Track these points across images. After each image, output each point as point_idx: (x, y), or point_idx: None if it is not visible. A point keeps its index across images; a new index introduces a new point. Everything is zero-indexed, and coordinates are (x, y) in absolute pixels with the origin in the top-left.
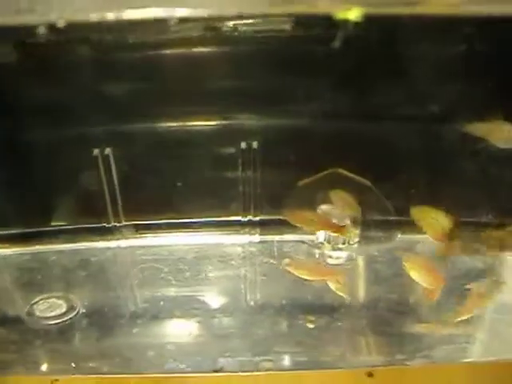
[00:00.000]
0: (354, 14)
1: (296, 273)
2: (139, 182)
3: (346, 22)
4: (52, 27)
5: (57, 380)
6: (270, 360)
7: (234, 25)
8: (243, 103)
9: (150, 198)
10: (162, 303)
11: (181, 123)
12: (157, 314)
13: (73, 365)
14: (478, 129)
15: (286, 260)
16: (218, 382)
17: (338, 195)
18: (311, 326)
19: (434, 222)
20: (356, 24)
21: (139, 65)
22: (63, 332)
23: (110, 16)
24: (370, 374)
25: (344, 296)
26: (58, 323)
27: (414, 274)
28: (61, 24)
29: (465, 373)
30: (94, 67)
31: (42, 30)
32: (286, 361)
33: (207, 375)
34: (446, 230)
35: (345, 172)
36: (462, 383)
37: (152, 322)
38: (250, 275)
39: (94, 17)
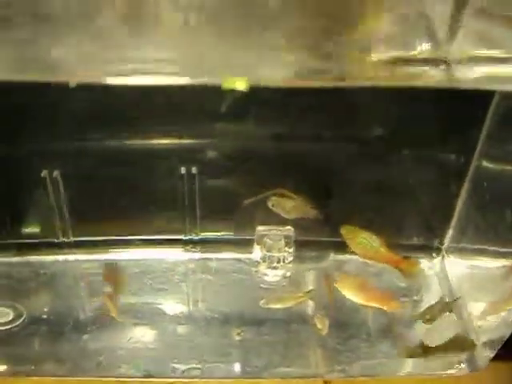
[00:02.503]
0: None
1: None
2: (87, 200)
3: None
4: None
5: None
6: (199, 368)
7: None
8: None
9: (98, 215)
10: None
11: (127, 143)
12: (104, 322)
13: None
14: None
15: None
16: None
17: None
18: (238, 338)
19: (363, 241)
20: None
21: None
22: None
23: None
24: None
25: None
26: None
27: (347, 293)
28: None
29: None
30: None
31: None
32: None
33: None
34: (376, 249)
35: (287, 192)
36: None
37: (99, 330)
38: (190, 290)
39: None
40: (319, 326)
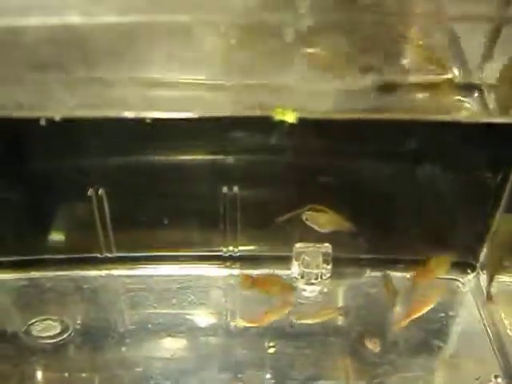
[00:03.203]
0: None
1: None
2: (130, 217)
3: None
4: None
5: None
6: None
7: None
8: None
9: (140, 231)
10: (149, 326)
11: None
12: (144, 335)
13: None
14: None
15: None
16: None
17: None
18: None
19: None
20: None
21: None
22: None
23: None
24: None
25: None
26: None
27: None
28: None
29: None
30: None
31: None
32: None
33: None
34: None
35: (321, 208)
36: None
37: (138, 342)
38: (229, 304)
39: None
40: (370, 346)
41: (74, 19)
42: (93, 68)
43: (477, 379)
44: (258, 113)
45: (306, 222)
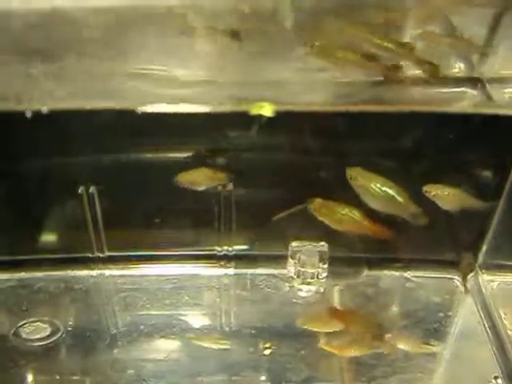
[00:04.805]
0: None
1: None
2: (122, 216)
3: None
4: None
5: None
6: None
7: None
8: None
9: (133, 231)
10: (141, 327)
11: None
12: (136, 336)
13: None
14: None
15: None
16: None
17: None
18: (267, 352)
19: (343, 217)
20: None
21: None
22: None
23: None
24: None
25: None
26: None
27: None
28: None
29: None
30: None
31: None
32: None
33: None
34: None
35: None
36: None
37: (131, 344)
38: (223, 305)
39: None
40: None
41: (62, 2)
42: (82, 56)
43: (477, 380)
44: (234, 108)
45: (427, 195)
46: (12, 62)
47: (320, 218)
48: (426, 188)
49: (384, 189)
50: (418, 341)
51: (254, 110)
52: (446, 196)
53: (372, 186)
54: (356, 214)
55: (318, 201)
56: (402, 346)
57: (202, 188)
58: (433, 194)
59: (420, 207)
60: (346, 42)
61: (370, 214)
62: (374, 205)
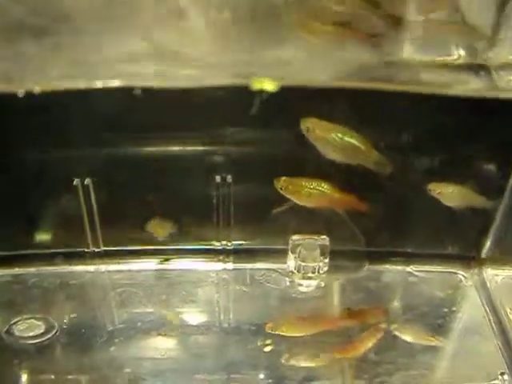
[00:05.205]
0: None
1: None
2: (118, 209)
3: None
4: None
5: None
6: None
7: None
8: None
9: (129, 225)
10: (138, 324)
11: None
12: (133, 334)
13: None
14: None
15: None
16: None
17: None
18: (268, 349)
19: (313, 191)
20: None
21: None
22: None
23: None
24: None
25: None
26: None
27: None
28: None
29: None
30: None
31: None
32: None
33: None
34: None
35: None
36: None
37: (127, 341)
38: (222, 300)
39: None
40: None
41: None
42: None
43: (483, 377)
44: (235, 82)
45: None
46: None
47: (288, 196)
48: (430, 186)
49: (345, 138)
50: (421, 332)
51: (256, 85)
52: (450, 194)
53: (332, 135)
54: (325, 187)
55: (284, 178)
56: (406, 337)
57: None
58: (437, 192)
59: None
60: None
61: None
62: (335, 156)
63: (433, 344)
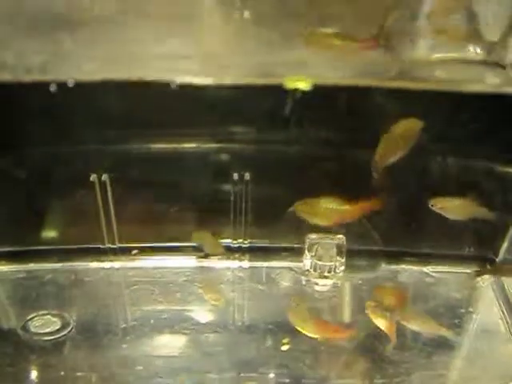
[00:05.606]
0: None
1: None
2: (135, 206)
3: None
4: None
5: None
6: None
7: None
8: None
9: (145, 221)
10: (152, 321)
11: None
12: (147, 331)
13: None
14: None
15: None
16: None
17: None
18: (285, 348)
19: (325, 211)
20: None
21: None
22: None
23: None
24: None
25: None
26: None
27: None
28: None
29: None
30: None
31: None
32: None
33: None
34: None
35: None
36: None
37: (140, 339)
38: (238, 299)
39: None
40: None
41: None
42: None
43: (499, 379)
44: (268, 81)
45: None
46: None
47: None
48: (431, 202)
49: None
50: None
51: (289, 85)
52: (452, 208)
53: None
54: (335, 203)
55: (298, 203)
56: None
57: None
58: (439, 207)
59: None
60: None
61: None
62: None
63: (444, 334)
